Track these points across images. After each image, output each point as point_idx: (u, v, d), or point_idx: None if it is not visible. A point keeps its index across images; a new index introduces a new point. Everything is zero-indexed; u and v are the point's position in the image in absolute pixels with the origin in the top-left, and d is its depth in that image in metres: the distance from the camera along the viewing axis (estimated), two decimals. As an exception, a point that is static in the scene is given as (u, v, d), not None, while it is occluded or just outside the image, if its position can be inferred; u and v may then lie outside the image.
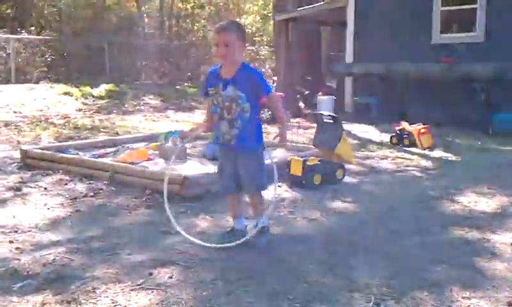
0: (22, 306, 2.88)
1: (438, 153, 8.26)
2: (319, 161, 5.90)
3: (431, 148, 8.54)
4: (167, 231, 4.21)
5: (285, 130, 3.89)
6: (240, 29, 3.73)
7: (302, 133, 10.35)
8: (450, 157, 7.98)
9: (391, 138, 9.20)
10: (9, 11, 21.65)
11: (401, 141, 8.90)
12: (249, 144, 3.81)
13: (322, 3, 14.80)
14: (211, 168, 5.85)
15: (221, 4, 28.44)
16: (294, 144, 7.82)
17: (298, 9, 15.68)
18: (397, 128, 9.10)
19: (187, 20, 27.41)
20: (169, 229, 4.23)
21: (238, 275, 3.33)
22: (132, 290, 3.10)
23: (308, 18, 16.28)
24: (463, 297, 3.09)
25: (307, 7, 15.31)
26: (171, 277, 3.28)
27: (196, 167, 6.24)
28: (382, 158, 7.73)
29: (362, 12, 13.54)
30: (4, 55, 17.20)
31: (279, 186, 5.77)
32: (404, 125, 9.05)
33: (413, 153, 8.16)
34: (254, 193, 3.98)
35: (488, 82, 10.86)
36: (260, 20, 28.30)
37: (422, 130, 8.70)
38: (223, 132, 3.81)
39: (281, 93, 13.76)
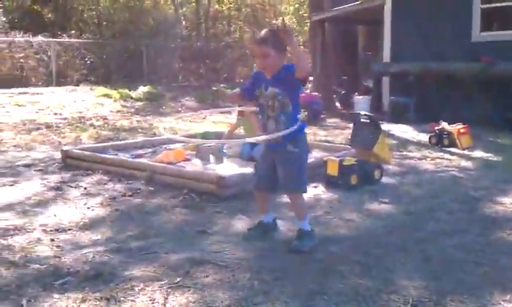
0: (63, 302, 2.94)
1: (478, 153, 8.09)
2: (355, 161, 5.85)
3: (471, 148, 8.36)
4: (204, 230, 4.25)
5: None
6: (275, 37, 3.67)
7: (339, 133, 10.30)
8: (491, 157, 7.80)
9: (430, 138, 9.05)
10: (50, 15, 22.17)
11: (440, 141, 8.74)
12: (291, 136, 3.75)
13: (358, 2, 14.68)
14: (247, 168, 5.87)
15: (258, 5, 28.47)
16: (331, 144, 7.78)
17: (334, 9, 15.59)
18: (436, 128, 8.95)
19: (224, 22, 27.56)
20: (206, 229, 4.27)
21: (274, 275, 3.33)
22: (169, 288, 3.13)
23: (344, 18, 16.18)
24: (504, 300, 3.01)
25: (343, 6, 15.21)
26: (207, 277, 3.31)
27: (232, 168, 6.27)
28: (421, 159, 7.61)
29: (399, 10, 13.37)
30: (46, 58, 17.62)
31: (315, 187, 5.75)
32: (444, 124, 8.89)
33: (452, 154, 8.01)
34: (291, 193, 3.98)
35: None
36: (296, 21, 28.21)
37: (462, 130, 8.53)
38: (270, 131, 3.85)
39: (317, 93, 13.75)
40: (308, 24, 19.52)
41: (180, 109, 15.70)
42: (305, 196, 5.15)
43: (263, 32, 3.81)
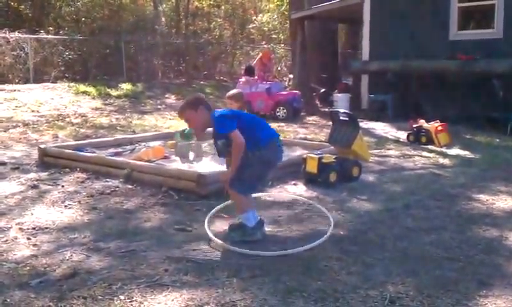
0: (40, 302, 2.91)
1: (455, 151, 8.19)
2: (334, 159, 5.89)
3: (449, 146, 8.46)
4: (183, 228, 4.24)
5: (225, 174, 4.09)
6: (189, 103, 4.08)
7: (318, 131, 10.34)
8: (467, 154, 7.90)
9: (408, 135, 9.14)
10: (27, 11, 21.87)
11: (418, 138, 8.84)
12: (248, 147, 3.93)
13: (338, 0, 14.73)
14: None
15: (237, 2, 28.39)
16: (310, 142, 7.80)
17: (314, 6, 15.64)
18: (414, 125, 9.04)
19: (204, 19, 27.45)
20: (185, 227, 4.26)
21: (252, 272, 3.34)
22: (147, 286, 3.12)
23: (324, 16, 16.22)
24: (479, 296, 3.06)
25: (323, 4, 15.25)
26: (186, 274, 3.30)
27: (211, 165, 6.25)
28: (399, 156, 7.68)
29: (379, 9, 13.46)
30: (23, 55, 17.35)
31: (294, 184, 5.77)
32: (421, 122, 8.98)
33: (430, 151, 8.10)
34: (232, 189, 4.07)
35: (506, 80, 10.71)
36: (276, 18, 28.17)
37: (440, 128, 8.62)
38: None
39: (297, 91, 13.78)
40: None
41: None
42: (284, 192, 5.21)
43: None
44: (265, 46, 16.84)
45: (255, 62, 14.43)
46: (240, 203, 4.05)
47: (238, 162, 3.86)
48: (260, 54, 14.74)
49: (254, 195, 4.32)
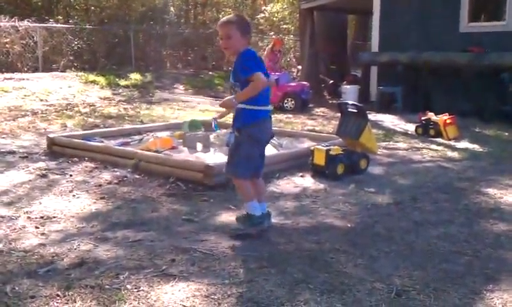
0: (47, 290, 2.93)
1: (464, 144, 8.15)
2: (342, 151, 5.88)
3: (457, 139, 8.42)
4: (190, 219, 4.25)
5: (231, 100, 3.76)
6: (239, 21, 3.85)
7: (326, 123, 10.31)
8: (476, 148, 7.86)
9: (416, 128, 9.10)
10: None
11: (427, 131, 8.80)
12: (237, 125, 3.87)
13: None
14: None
15: (247, -8, 28.36)
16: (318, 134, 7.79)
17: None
18: (423, 118, 9.00)
19: (213, 9, 27.41)
20: (192, 218, 4.28)
21: (259, 263, 3.34)
22: (154, 276, 3.13)
23: (334, 7, 16.15)
24: (486, 290, 3.05)
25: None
26: (193, 265, 3.31)
27: (219, 156, 6.26)
28: (407, 149, 7.65)
29: (389, 0, 13.38)
30: (32, 43, 17.40)
31: (302, 176, 5.77)
32: (430, 115, 8.94)
33: (438, 144, 8.06)
34: (229, 174, 4.07)
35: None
36: (286, 8, 28.09)
37: (448, 121, 8.58)
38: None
39: (306, 82, 13.74)
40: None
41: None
42: (292, 184, 5.19)
43: (229, 16, 4.03)
44: (273, 36, 16.76)
45: (265, 53, 14.28)
46: (244, 191, 3.97)
47: (247, 97, 3.70)
48: (271, 44, 14.66)
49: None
